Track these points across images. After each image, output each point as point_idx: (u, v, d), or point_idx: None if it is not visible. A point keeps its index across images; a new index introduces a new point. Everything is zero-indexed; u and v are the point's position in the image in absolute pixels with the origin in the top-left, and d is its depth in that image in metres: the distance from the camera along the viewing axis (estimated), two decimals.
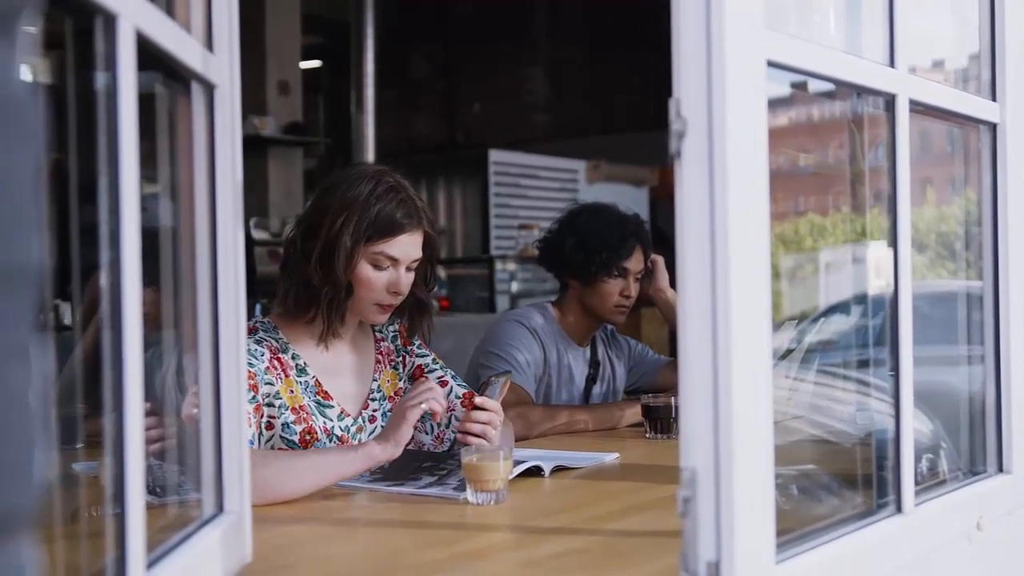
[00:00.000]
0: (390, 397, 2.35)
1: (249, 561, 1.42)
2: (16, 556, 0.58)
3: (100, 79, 1.01)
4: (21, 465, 0.58)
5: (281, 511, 1.84)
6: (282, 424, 2.14)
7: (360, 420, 2.28)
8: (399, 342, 2.41)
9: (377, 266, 2.18)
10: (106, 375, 1.01)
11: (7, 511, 0.57)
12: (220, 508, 1.36)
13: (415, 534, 1.70)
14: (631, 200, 6.92)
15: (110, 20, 0.98)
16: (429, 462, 2.12)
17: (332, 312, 2.19)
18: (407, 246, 2.20)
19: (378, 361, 2.36)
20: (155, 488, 1.35)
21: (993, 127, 1.80)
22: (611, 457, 2.34)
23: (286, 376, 2.18)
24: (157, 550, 1.15)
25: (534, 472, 2.10)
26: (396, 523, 1.76)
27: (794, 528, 1.34)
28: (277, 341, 2.20)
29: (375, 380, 2.34)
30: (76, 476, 1.60)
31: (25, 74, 0.60)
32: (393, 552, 1.60)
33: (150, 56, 1.10)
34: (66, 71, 1.02)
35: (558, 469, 2.17)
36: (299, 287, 2.19)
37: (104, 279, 1.01)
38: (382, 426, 2.29)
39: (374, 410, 2.32)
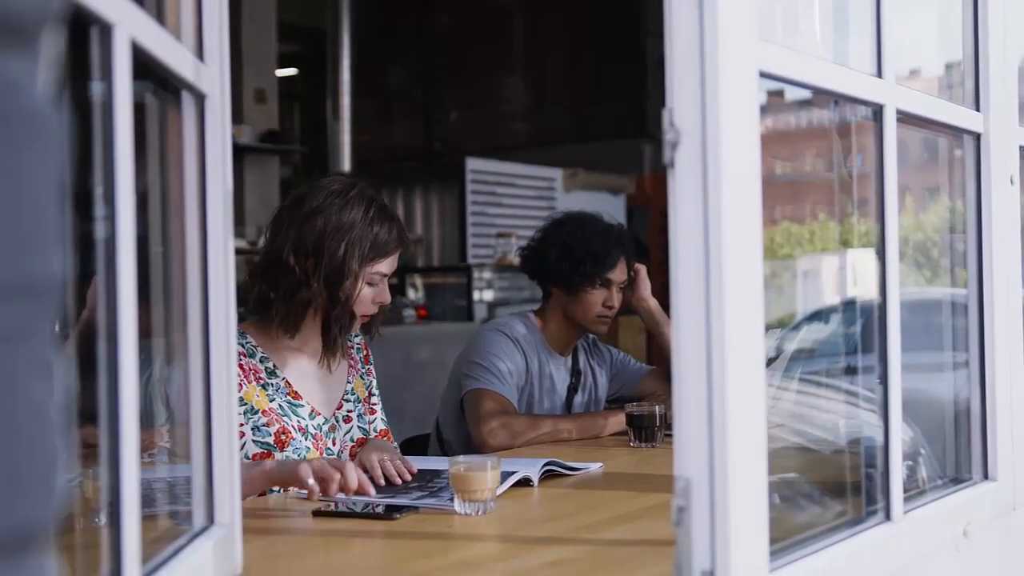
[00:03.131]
0: (363, 400, 2.42)
1: (239, 573, 1.41)
2: (41, 569, 0.58)
3: (95, 88, 1.00)
4: (45, 479, 0.58)
5: (271, 524, 1.83)
6: (253, 428, 2.18)
7: (333, 420, 2.33)
8: (362, 355, 2.49)
9: (371, 284, 2.28)
10: (100, 387, 1.00)
11: (33, 525, 0.57)
12: (211, 520, 1.35)
13: (405, 545, 1.69)
14: (608, 208, 6.92)
15: (106, 30, 0.98)
16: (417, 481, 2.11)
17: (342, 334, 2.28)
18: (395, 262, 2.32)
19: (351, 365, 2.43)
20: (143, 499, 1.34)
21: (977, 136, 1.82)
22: (595, 467, 2.34)
23: (249, 382, 2.21)
24: (150, 563, 1.14)
25: (522, 482, 2.10)
26: (385, 534, 1.75)
27: (786, 536, 1.34)
28: (243, 346, 2.23)
29: (349, 382, 2.40)
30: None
31: (46, 87, 0.60)
32: (384, 563, 1.59)
33: (141, 65, 1.10)
34: (60, 80, 1.01)
35: (548, 474, 2.17)
36: (300, 308, 2.23)
37: (99, 289, 1.00)
38: (358, 426, 2.38)
39: (348, 411, 2.38)
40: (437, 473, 2.16)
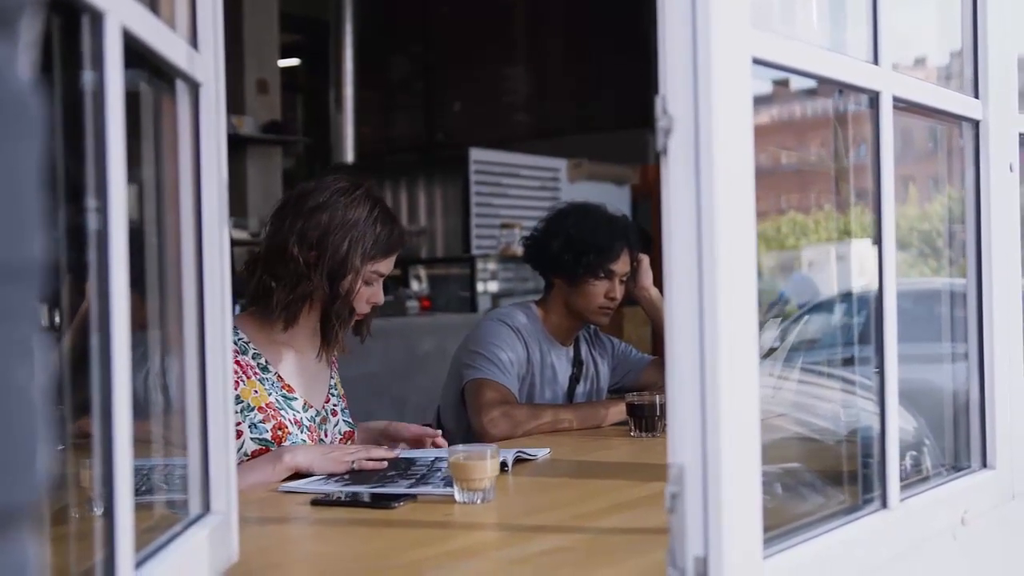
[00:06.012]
0: (342, 396, 2.47)
1: (236, 561, 1.41)
2: (21, 550, 0.58)
3: (86, 77, 1.00)
4: (26, 460, 0.58)
5: (268, 512, 1.83)
6: (250, 425, 2.20)
7: (324, 412, 2.38)
8: (336, 354, 2.52)
9: (367, 283, 2.31)
10: (94, 377, 1.00)
11: (13, 506, 0.57)
12: (207, 508, 1.36)
13: (402, 533, 1.70)
14: (612, 199, 6.93)
15: (97, 18, 0.98)
16: (394, 471, 2.11)
17: (342, 328, 2.31)
18: (392, 263, 2.36)
19: (333, 363, 2.47)
20: (139, 487, 1.34)
21: (976, 124, 1.81)
22: (544, 452, 2.37)
23: (248, 378, 2.24)
24: (144, 550, 1.14)
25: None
26: (383, 522, 1.75)
27: (781, 524, 1.34)
28: (236, 343, 2.24)
29: (332, 378, 2.45)
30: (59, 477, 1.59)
31: (26, 72, 0.60)
32: (381, 551, 1.59)
33: (135, 54, 1.10)
34: (51, 69, 1.01)
35: (519, 461, 2.22)
36: (300, 300, 2.26)
37: (90, 280, 1.01)
38: (343, 420, 2.43)
39: (334, 405, 2.43)
40: (412, 461, 2.19)
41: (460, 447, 1.94)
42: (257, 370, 2.26)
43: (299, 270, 2.23)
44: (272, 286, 2.25)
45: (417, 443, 2.41)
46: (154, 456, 1.49)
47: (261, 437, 2.20)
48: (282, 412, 2.25)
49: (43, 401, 0.60)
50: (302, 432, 2.26)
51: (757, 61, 1.24)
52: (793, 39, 1.37)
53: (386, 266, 2.33)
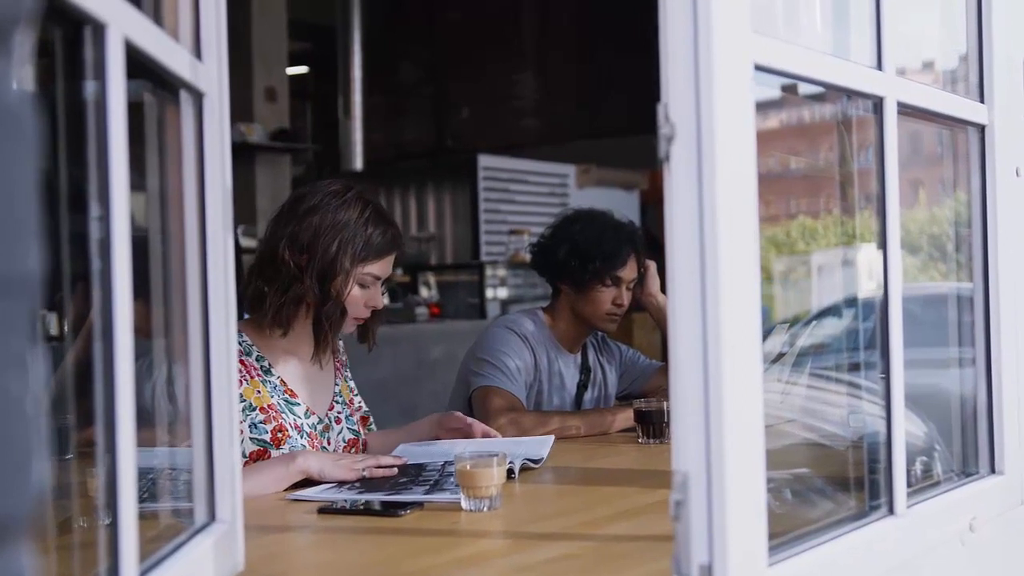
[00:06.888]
0: (348, 403, 2.47)
1: (241, 570, 1.41)
2: (16, 562, 0.58)
3: (89, 88, 1.00)
4: (20, 472, 0.58)
5: (273, 520, 1.83)
6: (250, 425, 2.21)
7: (327, 420, 2.38)
8: (344, 358, 2.53)
9: (362, 285, 2.30)
10: (97, 386, 1.00)
11: (8, 517, 0.58)
12: (212, 517, 1.36)
13: (408, 541, 1.69)
14: (621, 204, 6.93)
15: (99, 29, 0.98)
16: (405, 478, 2.11)
17: (332, 330, 2.31)
18: (389, 266, 2.35)
19: (337, 369, 2.47)
20: (144, 495, 1.35)
21: (981, 128, 1.81)
22: (548, 442, 2.39)
23: (251, 378, 2.25)
24: (149, 559, 1.15)
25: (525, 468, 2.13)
26: (389, 531, 1.75)
27: (787, 531, 1.34)
28: (240, 345, 2.25)
29: (336, 385, 2.45)
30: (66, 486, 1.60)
31: (21, 84, 0.60)
32: (387, 560, 1.59)
33: (138, 64, 1.10)
34: (54, 80, 1.02)
35: (526, 469, 2.21)
36: (292, 303, 2.26)
37: (95, 289, 1.01)
38: (347, 427, 2.43)
39: (338, 412, 2.43)
40: (422, 467, 2.19)
41: (467, 454, 1.94)
42: (260, 372, 2.27)
43: (291, 273, 2.24)
44: (265, 291, 2.26)
45: (466, 434, 2.44)
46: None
47: (260, 438, 2.21)
48: (283, 415, 2.25)
49: (38, 413, 0.60)
50: (302, 437, 2.27)
51: (759, 67, 1.24)
52: (795, 44, 1.36)
53: (380, 268, 2.31)
